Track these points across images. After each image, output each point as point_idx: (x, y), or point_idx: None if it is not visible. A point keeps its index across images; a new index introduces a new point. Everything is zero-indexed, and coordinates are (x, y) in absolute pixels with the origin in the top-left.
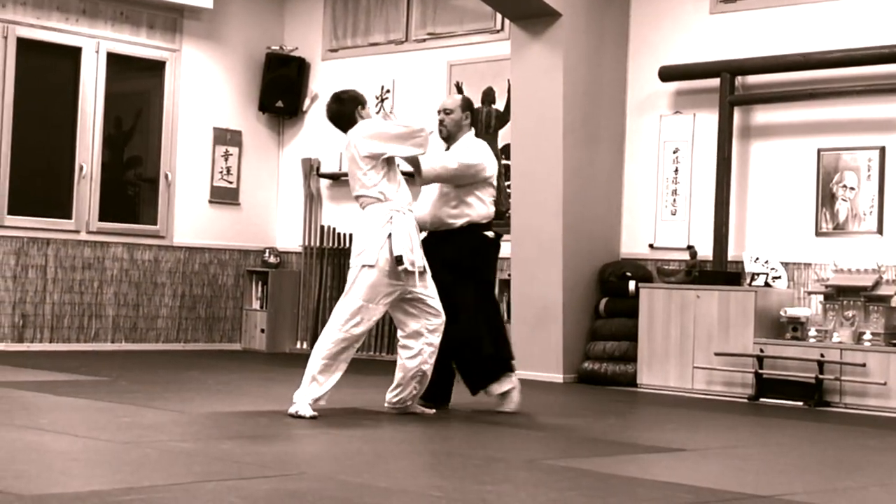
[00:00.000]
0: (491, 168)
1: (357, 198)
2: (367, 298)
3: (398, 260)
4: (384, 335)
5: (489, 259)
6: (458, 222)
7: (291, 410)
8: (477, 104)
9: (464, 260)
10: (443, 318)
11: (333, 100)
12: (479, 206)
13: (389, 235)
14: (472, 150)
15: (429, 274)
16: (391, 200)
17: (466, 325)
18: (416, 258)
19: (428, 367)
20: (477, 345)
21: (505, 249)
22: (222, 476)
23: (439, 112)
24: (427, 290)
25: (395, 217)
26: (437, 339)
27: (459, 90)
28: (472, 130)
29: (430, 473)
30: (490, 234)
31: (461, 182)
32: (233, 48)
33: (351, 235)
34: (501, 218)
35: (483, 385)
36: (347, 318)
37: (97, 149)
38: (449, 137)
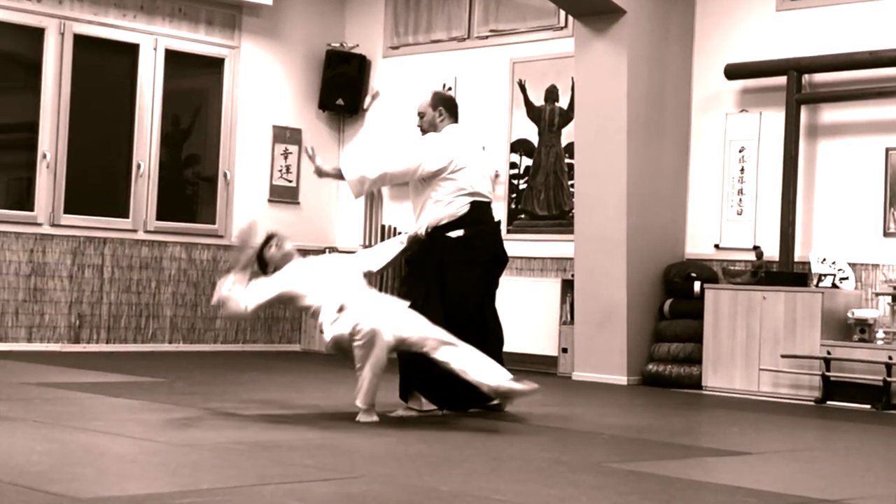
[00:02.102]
0: (433, 163)
1: None
2: None
3: None
4: None
5: (447, 262)
6: (422, 232)
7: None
8: (540, 102)
9: (410, 262)
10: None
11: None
12: (435, 209)
13: None
14: (407, 152)
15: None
16: None
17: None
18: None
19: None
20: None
21: (568, 249)
22: (281, 479)
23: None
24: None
25: None
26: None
27: (522, 88)
28: (453, 122)
29: (492, 477)
30: (455, 233)
31: (400, 183)
32: (293, 45)
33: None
34: (564, 217)
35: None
36: None
37: (155, 147)
38: None
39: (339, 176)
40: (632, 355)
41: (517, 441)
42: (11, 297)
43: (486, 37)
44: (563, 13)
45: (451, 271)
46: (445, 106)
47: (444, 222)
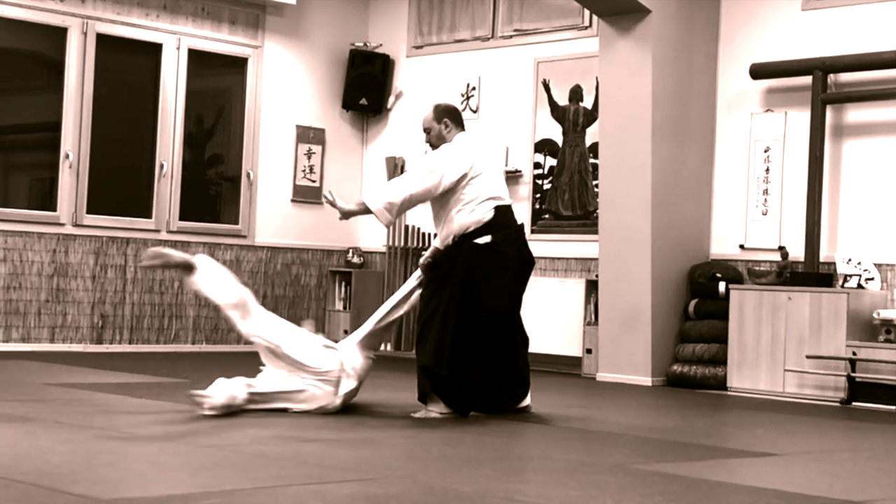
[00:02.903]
0: (453, 173)
1: None
2: None
3: None
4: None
5: (477, 270)
6: (448, 241)
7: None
8: (564, 102)
9: (433, 267)
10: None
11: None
12: (459, 218)
13: None
14: (426, 169)
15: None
16: None
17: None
18: None
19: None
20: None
21: (593, 250)
22: (304, 480)
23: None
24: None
25: None
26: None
27: (546, 88)
28: (460, 131)
29: (515, 478)
30: (483, 240)
31: (426, 200)
32: (316, 45)
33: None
34: (588, 218)
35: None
36: None
37: (178, 147)
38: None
39: (364, 211)
40: (656, 356)
41: (540, 442)
42: (34, 297)
43: (511, 36)
44: (587, 12)
45: (481, 279)
46: (450, 116)
47: (470, 230)
